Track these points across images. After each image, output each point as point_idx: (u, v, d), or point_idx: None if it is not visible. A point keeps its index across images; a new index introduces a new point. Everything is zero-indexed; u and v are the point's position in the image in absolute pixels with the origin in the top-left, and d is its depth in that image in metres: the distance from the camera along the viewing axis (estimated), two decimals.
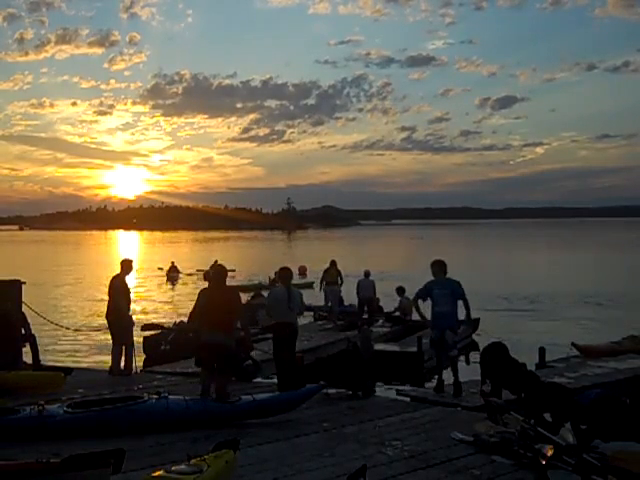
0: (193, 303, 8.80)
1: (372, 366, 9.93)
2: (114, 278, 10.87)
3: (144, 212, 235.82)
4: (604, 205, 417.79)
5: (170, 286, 36.41)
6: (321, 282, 19.31)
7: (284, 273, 9.91)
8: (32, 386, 8.97)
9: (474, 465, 6.20)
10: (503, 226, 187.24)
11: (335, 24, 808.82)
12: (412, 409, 8.64)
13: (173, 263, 39.92)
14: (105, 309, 10.99)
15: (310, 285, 32.16)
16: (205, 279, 36.98)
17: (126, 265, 10.95)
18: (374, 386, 9.76)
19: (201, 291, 8.78)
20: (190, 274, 39.92)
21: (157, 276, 40.00)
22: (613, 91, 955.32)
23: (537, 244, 79.59)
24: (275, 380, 10.30)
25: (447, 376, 9.97)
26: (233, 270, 41.29)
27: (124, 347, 10.77)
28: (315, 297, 21.01)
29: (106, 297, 11.04)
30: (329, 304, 19.03)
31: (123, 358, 10.82)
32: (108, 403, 7.43)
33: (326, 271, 19.15)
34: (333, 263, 19.10)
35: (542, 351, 12.41)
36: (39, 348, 11.15)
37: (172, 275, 38.70)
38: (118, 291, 10.70)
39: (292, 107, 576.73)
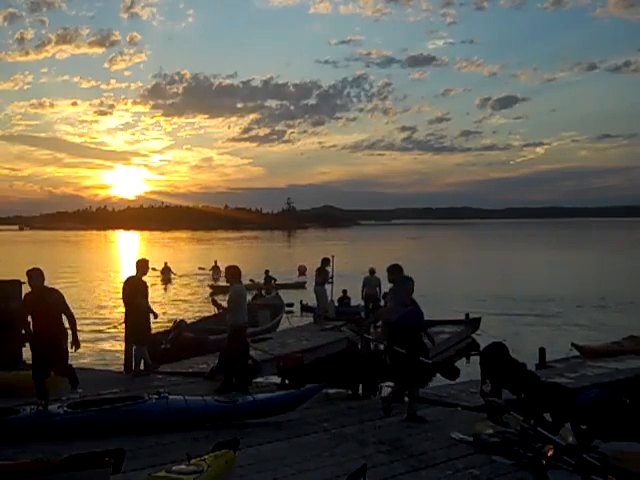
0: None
1: (374, 366, 9.90)
2: (130, 279, 10.90)
3: (144, 212, 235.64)
4: (604, 205, 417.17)
5: (163, 287, 36.40)
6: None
7: (234, 271, 9.79)
8: (32, 386, 8.96)
9: (474, 465, 6.21)
10: (503, 226, 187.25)
11: (336, 24, 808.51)
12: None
13: (166, 264, 39.90)
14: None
15: (302, 285, 32.19)
16: (212, 278, 37.29)
17: (141, 265, 10.98)
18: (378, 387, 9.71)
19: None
20: (183, 275, 39.96)
21: (151, 276, 39.99)
22: (614, 91, 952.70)
23: (537, 244, 79.55)
24: (275, 380, 10.33)
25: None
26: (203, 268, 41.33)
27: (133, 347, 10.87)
28: (312, 297, 21.07)
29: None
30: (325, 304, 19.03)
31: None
32: (108, 403, 7.43)
33: (317, 271, 19.07)
34: (324, 262, 18.86)
35: (542, 351, 12.43)
36: None
37: (165, 276, 38.72)
38: (136, 292, 10.69)
39: (292, 107, 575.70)
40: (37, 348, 7.96)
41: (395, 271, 9.11)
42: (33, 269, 7.96)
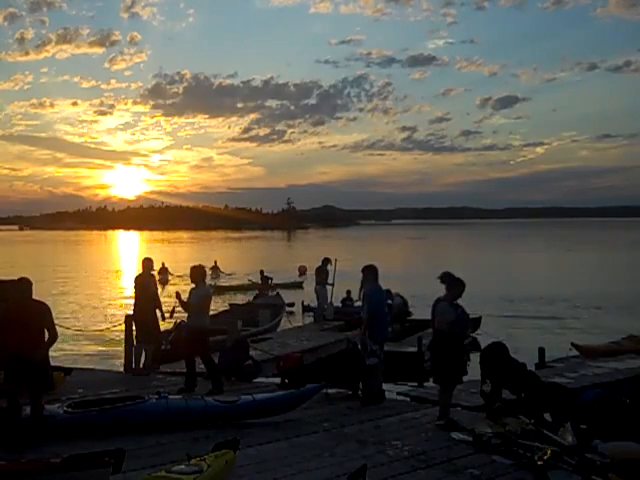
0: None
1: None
2: (137, 278, 11.11)
3: (144, 212, 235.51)
4: (604, 205, 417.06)
5: (161, 287, 36.39)
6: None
7: (201, 271, 9.78)
8: None
9: (474, 465, 6.21)
10: (503, 226, 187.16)
11: (336, 24, 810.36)
12: (412, 409, 8.65)
13: (164, 264, 39.89)
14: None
15: (300, 285, 32.12)
16: (211, 278, 37.24)
17: (145, 264, 11.18)
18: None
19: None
20: (180, 275, 39.99)
21: None
22: (614, 91, 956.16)
23: (537, 244, 79.53)
24: (275, 380, 10.32)
25: None
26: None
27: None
28: (312, 297, 21.03)
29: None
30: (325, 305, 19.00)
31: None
32: (108, 403, 7.43)
33: (317, 270, 19.01)
34: (324, 261, 18.86)
35: (542, 351, 12.41)
36: None
37: (163, 276, 38.72)
38: (141, 290, 10.88)
39: (293, 107, 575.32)
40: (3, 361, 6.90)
41: (370, 271, 9.06)
42: (21, 278, 7.27)
